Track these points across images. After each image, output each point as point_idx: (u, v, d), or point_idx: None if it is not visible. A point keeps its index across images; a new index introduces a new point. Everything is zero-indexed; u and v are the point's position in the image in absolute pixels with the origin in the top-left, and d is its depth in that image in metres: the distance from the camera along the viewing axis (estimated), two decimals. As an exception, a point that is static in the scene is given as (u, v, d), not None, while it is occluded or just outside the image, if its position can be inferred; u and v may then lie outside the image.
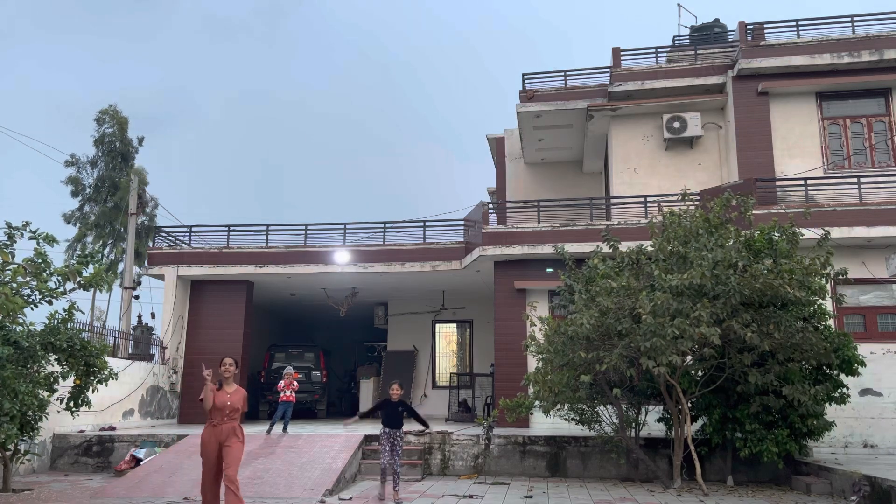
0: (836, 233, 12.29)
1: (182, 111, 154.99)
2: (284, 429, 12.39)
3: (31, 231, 9.75)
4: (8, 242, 9.70)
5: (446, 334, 20.53)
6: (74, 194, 33.32)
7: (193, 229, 17.62)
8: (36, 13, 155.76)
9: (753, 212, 10.52)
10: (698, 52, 17.24)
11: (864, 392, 12.47)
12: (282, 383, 12.70)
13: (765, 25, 16.21)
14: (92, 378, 10.47)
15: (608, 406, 10.80)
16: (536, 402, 10.49)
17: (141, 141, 34.69)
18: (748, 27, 16.31)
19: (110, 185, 33.14)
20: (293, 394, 12.69)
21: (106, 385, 10.79)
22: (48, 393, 9.96)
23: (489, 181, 22.76)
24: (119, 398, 13.91)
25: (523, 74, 17.86)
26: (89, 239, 33.04)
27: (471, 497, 9.00)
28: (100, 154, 33.78)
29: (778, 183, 14.60)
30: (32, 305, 9.72)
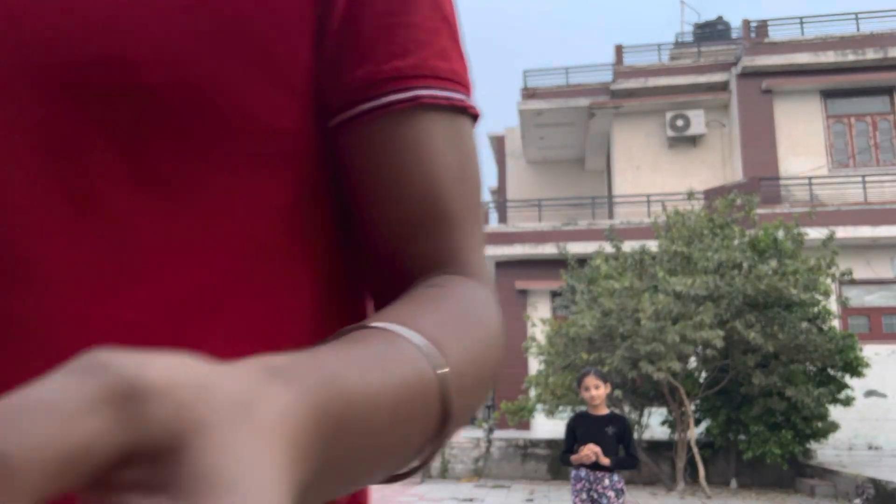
0: (841, 232, 12.15)
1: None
2: None
3: None
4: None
5: (447, 334, 20.40)
6: None
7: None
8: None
9: (757, 211, 10.42)
10: (701, 49, 17.13)
11: (869, 393, 12.35)
12: None
13: (768, 23, 16.09)
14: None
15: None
16: (538, 405, 10.39)
17: None
18: (752, 24, 16.18)
19: None
20: None
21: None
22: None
23: (489, 180, 22.66)
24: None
25: (524, 71, 17.76)
26: None
27: (471, 500, 8.91)
28: None
29: (782, 182, 14.48)
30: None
